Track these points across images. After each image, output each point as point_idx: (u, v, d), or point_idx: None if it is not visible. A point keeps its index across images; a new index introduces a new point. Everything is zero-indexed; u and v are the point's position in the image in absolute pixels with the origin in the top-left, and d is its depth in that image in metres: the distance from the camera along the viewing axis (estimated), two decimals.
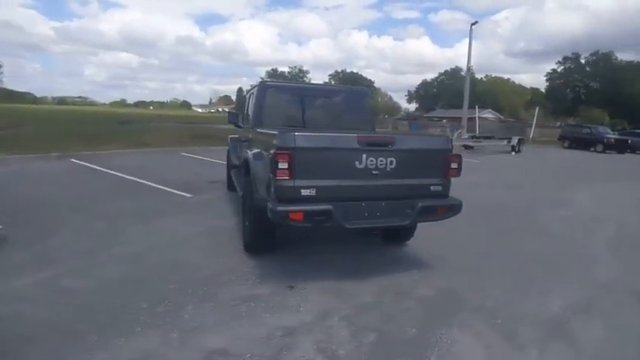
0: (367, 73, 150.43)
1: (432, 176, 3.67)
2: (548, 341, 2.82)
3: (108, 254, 4.06)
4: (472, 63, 23.59)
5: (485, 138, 19.66)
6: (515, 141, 19.78)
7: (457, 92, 48.19)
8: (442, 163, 3.67)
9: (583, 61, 44.64)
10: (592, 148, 23.18)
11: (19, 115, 26.38)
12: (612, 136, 24.07)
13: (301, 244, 4.66)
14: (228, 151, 7.47)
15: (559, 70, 46.29)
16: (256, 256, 4.10)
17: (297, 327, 2.83)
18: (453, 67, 68.52)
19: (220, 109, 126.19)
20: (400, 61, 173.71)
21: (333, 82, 70.34)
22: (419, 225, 4.29)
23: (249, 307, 3.10)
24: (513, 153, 19.38)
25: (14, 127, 16.82)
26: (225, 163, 8.05)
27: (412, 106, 76.19)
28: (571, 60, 45.20)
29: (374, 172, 3.41)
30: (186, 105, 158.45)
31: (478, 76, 61.56)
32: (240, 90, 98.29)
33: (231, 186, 7.12)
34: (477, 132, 19.98)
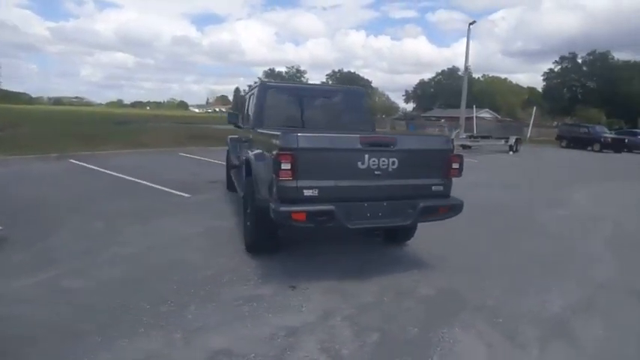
0: (364, 73, 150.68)
1: (433, 176, 3.69)
2: (548, 340, 2.84)
3: (108, 255, 4.06)
4: (469, 63, 23.67)
5: (483, 138, 19.72)
6: (512, 140, 19.86)
7: (454, 92, 48.37)
8: (443, 164, 3.69)
9: (580, 60, 44.85)
10: (589, 148, 23.28)
11: (15, 116, 26.19)
12: (609, 135, 24.18)
13: (302, 244, 4.67)
14: (227, 151, 7.46)
15: (556, 69, 46.51)
16: (257, 257, 4.10)
17: (300, 327, 2.84)
18: (451, 66, 68.77)
19: (217, 109, 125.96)
20: (397, 61, 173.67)
21: (330, 82, 70.34)
22: (419, 225, 4.31)
23: (251, 307, 3.10)
24: (511, 152, 19.46)
25: (11, 128, 16.73)
26: (224, 163, 8.06)
27: (409, 106, 76.36)
28: (568, 60, 45.40)
29: (376, 172, 3.43)
30: (183, 105, 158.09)
31: (475, 75, 61.76)
32: (237, 90, 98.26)
33: (230, 186, 7.13)
34: (475, 132, 20.03)
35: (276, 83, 6.29)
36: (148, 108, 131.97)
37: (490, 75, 71.41)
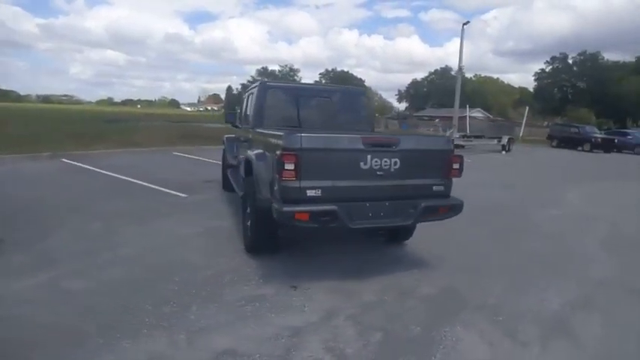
0: (357, 72, 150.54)
1: (434, 176, 3.72)
2: (549, 338, 2.88)
3: (107, 256, 4.02)
4: (462, 62, 23.80)
5: (476, 137, 19.87)
6: (505, 140, 20.05)
7: (447, 91, 48.64)
8: (444, 164, 3.72)
9: (571, 61, 45.29)
10: (579, 148, 23.56)
11: (3, 114, 25.85)
12: (599, 135, 24.49)
13: (302, 244, 4.68)
14: (223, 150, 7.44)
15: (547, 69, 46.91)
16: (257, 257, 4.10)
17: (304, 327, 2.85)
18: (443, 66, 69.05)
19: (209, 108, 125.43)
20: (390, 60, 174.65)
21: (323, 81, 70.32)
22: (418, 225, 4.33)
23: (254, 308, 3.10)
24: (504, 152, 19.63)
25: (0, 126, 16.49)
26: (219, 162, 8.02)
27: (402, 106, 76.58)
28: (559, 60, 45.82)
29: (378, 172, 3.44)
30: (174, 103, 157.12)
31: (467, 75, 62.09)
32: (229, 88, 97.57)
33: (226, 186, 7.10)
34: (468, 131, 20.18)
35: (276, 83, 6.27)
36: (139, 106, 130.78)
37: (482, 75, 72.02)
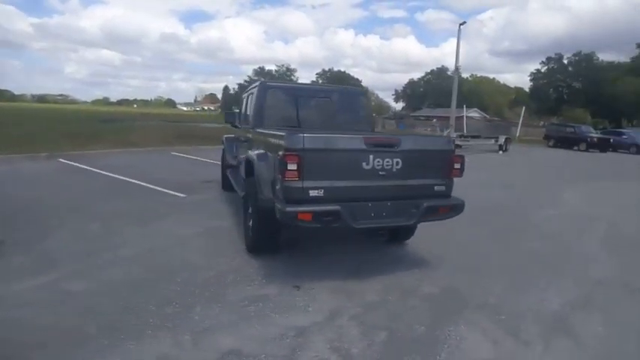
0: (354, 72, 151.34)
1: (435, 176, 3.73)
2: (551, 336, 2.91)
3: (108, 256, 4.01)
4: (459, 62, 23.88)
5: (473, 137, 19.93)
6: (502, 140, 20.12)
7: (444, 91, 48.70)
8: (445, 164, 3.74)
9: (566, 61, 45.40)
10: (575, 147, 23.69)
11: None
12: (595, 135, 24.63)
13: (304, 244, 4.68)
14: (223, 150, 7.43)
15: (543, 70, 47.02)
16: (259, 257, 4.10)
17: (308, 327, 2.85)
18: (440, 66, 69.13)
19: (206, 108, 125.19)
20: (387, 60, 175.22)
21: (320, 81, 70.29)
22: (418, 225, 4.34)
23: (257, 308, 3.10)
24: (501, 152, 19.71)
25: None
26: (217, 162, 8.01)
27: (399, 105, 76.65)
28: (554, 60, 45.92)
29: (380, 172, 3.45)
30: (170, 103, 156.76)
31: (464, 75, 62.05)
32: (226, 88, 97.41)
33: (226, 186, 7.10)
34: (465, 131, 20.25)
35: (276, 83, 6.27)
36: (135, 106, 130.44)
37: (478, 75, 72.21)
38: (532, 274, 4.07)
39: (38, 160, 9.91)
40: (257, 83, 5.28)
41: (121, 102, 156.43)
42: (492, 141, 20.14)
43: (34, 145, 11.11)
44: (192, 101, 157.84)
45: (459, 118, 22.41)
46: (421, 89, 70.21)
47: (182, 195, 6.86)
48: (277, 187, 3.41)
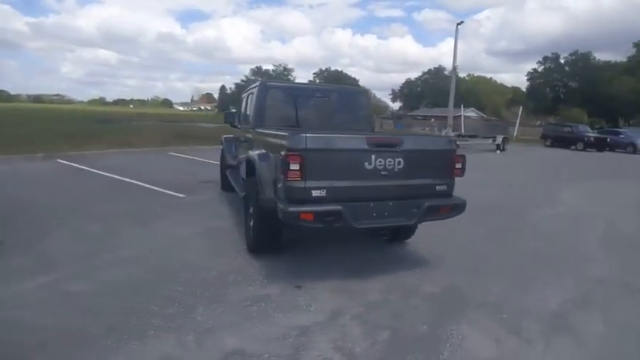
0: (351, 72, 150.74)
1: (437, 176, 3.74)
2: (552, 334, 2.92)
3: (108, 257, 3.99)
4: (456, 62, 23.93)
5: (471, 137, 19.97)
6: (500, 139, 20.17)
7: (441, 91, 48.82)
8: (447, 164, 3.75)
9: (562, 61, 45.58)
10: (573, 147, 23.77)
11: None
12: (592, 134, 24.72)
13: (305, 244, 4.68)
14: (222, 150, 7.42)
15: (539, 69, 47.19)
16: (260, 257, 4.10)
17: (311, 326, 2.86)
18: (437, 65, 69.26)
19: (203, 108, 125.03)
20: (384, 60, 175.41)
21: (317, 81, 70.32)
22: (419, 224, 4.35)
23: (260, 308, 3.10)
24: (498, 151, 19.77)
25: None
26: (215, 162, 7.98)
27: (396, 105, 76.76)
28: (551, 60, 46.08)
29: (382, 172, 3.46)
30: (167, 103, 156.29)
31: (461, 75, 62.17)
32: (223, 88, 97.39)
33: (225, 186, 7.09)
34: (463, 131, 20.28)
35: (277, 83, 6.27)
36: (132, 106, 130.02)
37: (475, 74, 72.37)
38: (531, 273, 4.09)
39: (35, 160, 9.86)
40: (257, 83, 5.28)
41: (118, 102, 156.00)
42: (490, 140, 20.20)
43: (31, 146, 11.05)
44: (189, 101, 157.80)
45: (457, 118, 22.44)
46: (418, 89, 70.35)
47: (181, 195, 6.85)
48: (279, 187, 3.41)
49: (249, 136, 5.07)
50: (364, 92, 5.53)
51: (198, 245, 4.48)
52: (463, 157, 3.84)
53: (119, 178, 8.05)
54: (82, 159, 10.22)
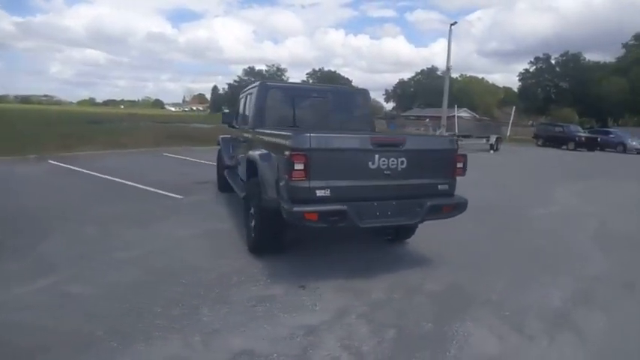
0: (344, 72, 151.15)
1: (439, 176, 3.77)
2: (554, 331, 2.95)
3: (109, 259, 3.96)
4: (450, 62, 24.07)
5: (465, 137, 20.07)
6: (493, 139, 20.33)
7: (434, 91, 49.05)
8: (449, 163, 3.78)
9: (553, 61, 46.18)
10: (564, 146, 24.04)
11: None
12: (583, 134, 25.02)
13: (306, 244, 4.68)
14: (219, 151, 7.39)
15: (531, 70, 47.76)
16: (262, 257, 4.09)
17: (317, 325, 2.86)
18: (430, 66, 69.74)
19: (195, 108, 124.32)
20: (376, 60, 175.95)
21: (311, 81, 70.31)
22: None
23: (265, 308, 3.10)
24: (492, 151, 19.92)
25: None
26: (210, 163, 7.93)
27: (389, 105, 77.07)
28: (542, 60, 46.65)
29: (386, 172, 3.48)
30: (158, 104, 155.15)
31: (453, 75, 62.39)
32: (215, 88, 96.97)
33: (223, 187, 7.06)
34: (456, 131, 20.41)
35: (276, 83, 6.26)
36: (122, 107, 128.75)
37: (467, 75, 72.88)
38: (531, 271, 4.14)
39: (28, 162, 9.74)
40: (257, 83, 5.26)
41: (108, 102, 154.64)
42: (484, 140, 20.34)
43: (23, 147, 10.91)
44: (181, 102, 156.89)
45: (450, 118, 22.60)
46: (411, 89, 70.72)
47: (179, 196, 6.81)
48: (283, 187, 3.41)
49: (249, 136, 5.06)
50: (364, 92, 5.52)
51: (198, 246, 4.46)
52: (464, 156, 3.87)
53: (114, 179, 7.98)
54: (75, 160, 10.11)
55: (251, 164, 4.20)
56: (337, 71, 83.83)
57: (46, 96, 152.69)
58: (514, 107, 34.61)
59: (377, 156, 3.43)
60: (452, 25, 23.81)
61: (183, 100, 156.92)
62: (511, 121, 30.69)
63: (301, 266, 3.95)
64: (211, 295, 3.27)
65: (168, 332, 2.70)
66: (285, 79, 73.49)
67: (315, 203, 3.27)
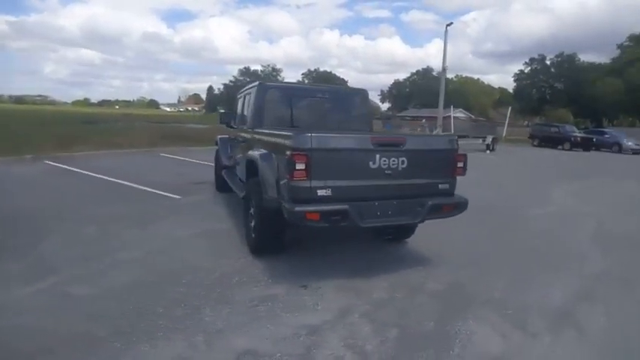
0: (339, 72, 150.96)
1: (440, 175, 3.78)
2: (557, 328, 2.98)
3: (109, 260, 3.93)
4: (446, 63, 24.15)
5: (461, 137, 20.10)
6: (489, 140, 20.41)
7: (429, 92, 49.28)
8: (449, 163, 3.79)
9: (548, 62, 46.53)
10: (560, 146, 24.16)
11: None
12: (579, 135, 25.18)
13: (306, 244, 4.68)
14: (217, 151, 7.37)
15: (526, 71, 48.11)
16: (262, 257, 4.08)
17: (320, 325, 2.86)
18: (425, 66, 69.96)
19: (190, 108, 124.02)
20: (372, 61, 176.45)
21: (306, 81, 70.30)
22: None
23: (267, 308, 3.10)
24: (488, 151, 19.99)
25: None
26: (207, 163, 7.90)
27: (385, 106, 77.23)
28: (537, 61, 47.00)
29: (387, 171, 3.49)
30: (153, 104, 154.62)
31: (449, 75, 62.81)
32: (210, 88, 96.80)
33: (221, 187, 7.04)
34: (452, 131, 20.49)
35: (275, 83, 6.27)
36: (117, 107, 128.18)
37: (463, 75, 73.22)
38: (531, 269, 4.16)
39: (24, 162, 9.66)
40: (255, 83, 5.25)
41: (102, 103, 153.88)
42: (480, 140, 20.42)
43: (18, 147, 10.81)
44: (176, 102, 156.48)
45: (446, 118, 22.72)
46: (407, 90, 70.88)
47: (177, 197, 6.78)
48: (284, 187, 3.40)
49: (248, 136, 5.05)
50: (363, 92, 5.53)
51: (199, 246, 4.45)
52: (464, 156, 3.89)
53: (112, 179, 7.94)
54: (72, 160, 10.05)
55: (251, 164, 4.20)
56: (332, 72, 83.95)
57: (40, 96, 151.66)
58: (510, 108, 34.79)
59: (378, 156, 3.43)
60: (448, 25, 23.94)
61: (179, 101, 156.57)
62: (507, 122, 30.84)
63: (302, 266, 3.95)
64: (213, 296, 3.26)
65: (171, 333, 2.69)
66: (280, 79, 73.40)
67: (316, 203, 3.27)
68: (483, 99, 62.32)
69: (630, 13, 74.97)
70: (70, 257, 3.97)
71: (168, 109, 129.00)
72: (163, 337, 2.64)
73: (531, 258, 4.52)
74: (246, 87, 5.95)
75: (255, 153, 4.15)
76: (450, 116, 23.60)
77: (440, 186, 3.78)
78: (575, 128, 27.79)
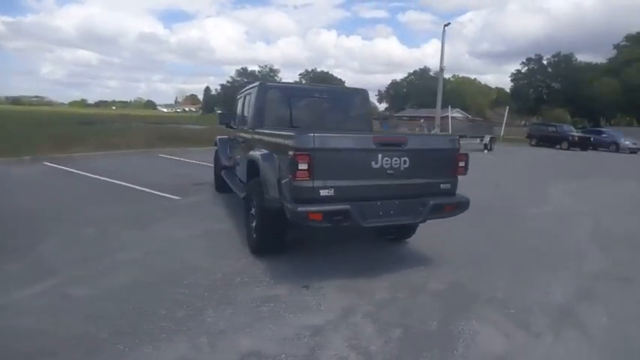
0: (336, 73, 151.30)
1: (441, 175, 3.78)
2: (559, 327, 2.98)
3: (109, 261, 3.91)
4: (444, 63, 24.20)
5: (460, 137, 20.13)
6: (487, 139, 20.46)
7: (427, 92, 49.40)
8: (451, 162, 3.79)
9: (545, 62, 46.66)
10: (558, 146, 24.26)
11: None
12: (576, 134, 25.28)
13: (307, 244, 4.68)
14: (216, 151, 7.36)
15: (523, 70, 48.21)
16: (263, 258, 4.07)
17: (323, 325, 2.86)
18: (422, 66, 70.04)
19: (187, 109, 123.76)
20: (369, 61, 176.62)
21: (304, 82, 70.27)
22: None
23: (270, 308, 3.09)
24: (486, 151, 20.04)
25: None
26: (207, 164, 7.88)
27: (382, 106, 77.30)
28: (534, 61, 47.11)
29: (389, 171, 3.48)
30: (150, 104, 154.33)
31: (446, 76, 62.89)
32: (207, 89, 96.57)
33: (220, 187, 7.03)
34: (450, 131, 20.53)
35: (275, 84, 6.25)
36: (114, 108, 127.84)
37: (460, 75, 73.34)
38: (532, 268, 4.17)
39: (22, 163, 9.62)
40: (256, 84, 5.24)
41: (99, 103, 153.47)
42: (478, 140, 20.46)
43: (16, 149, 10.76)
44: (173, 102, 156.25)
45: (444, 118, 22.76)
46: (404, 90, 70.92)
47: (176, 197, 6.77)
48: (286, 187, 3.39)
49: (248, 136, 5.04)
50: (363, 92, 5.52)
51: (199, 247, 4.43)
52: (466, 155, 3.89)
53: (111, 180, 7.91)
54: (71, 161, 10.02)
55: (252, 164, 4.19)
56: (330, 72, 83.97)
57: (37, 97, 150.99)
58: (507, 107, 34.89)
59: (380, 155, 3.43)
60: (445, 26, 24.02)
61: (176, 101, 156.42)
62: (504, 121, 30.93)
63: (304, 266, 3.94)
64: (215, 296, 3.25)
65: (174, 334, 2.68)
66: (278, 79, 73.31)
67: (319, 203, 3.26)
68: (480, 99, 62.47)
69: (626, 14, 75.33)
70: (69, 258, 3.96)
71: (165, 110, 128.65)
72: (166, 338, 2.63)
73: (531, 257, 4.53)
74: (246, 87, 5.94)
75: (256, 153, 4.14)
76: (447, 116, 23.63)
77: (441, 186, 3.78)
78: (572, 128, 27.92)
